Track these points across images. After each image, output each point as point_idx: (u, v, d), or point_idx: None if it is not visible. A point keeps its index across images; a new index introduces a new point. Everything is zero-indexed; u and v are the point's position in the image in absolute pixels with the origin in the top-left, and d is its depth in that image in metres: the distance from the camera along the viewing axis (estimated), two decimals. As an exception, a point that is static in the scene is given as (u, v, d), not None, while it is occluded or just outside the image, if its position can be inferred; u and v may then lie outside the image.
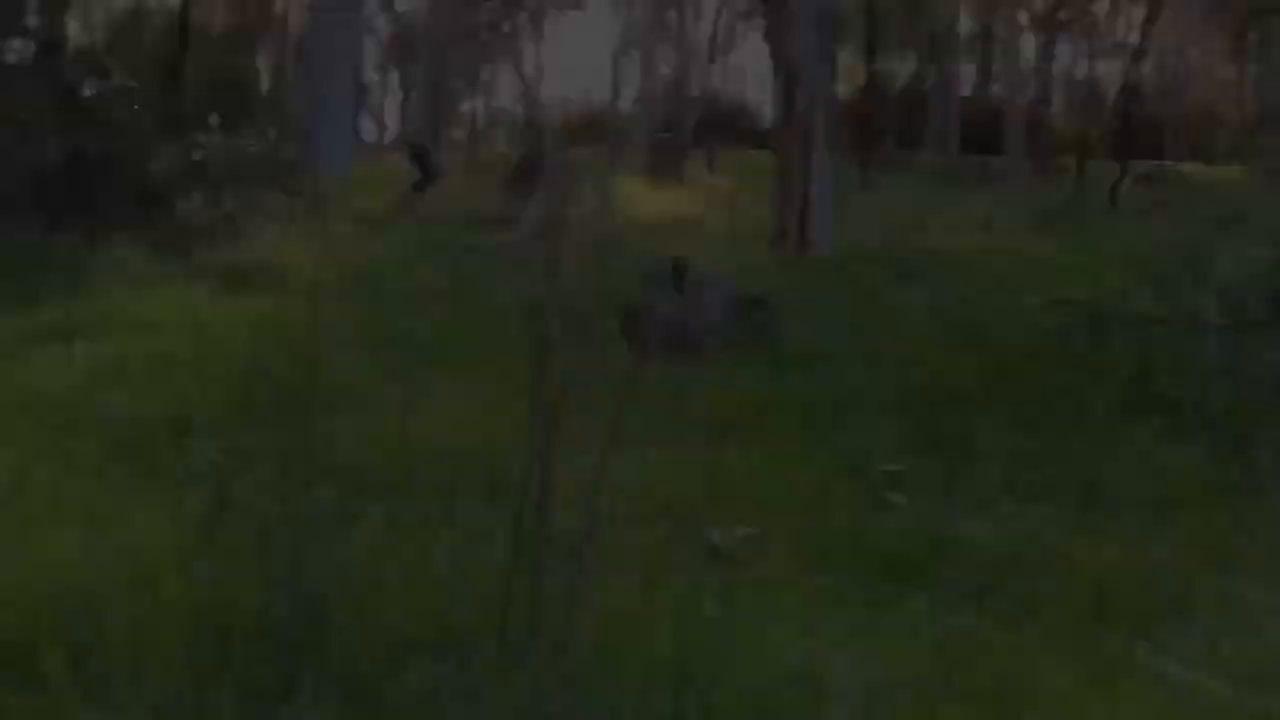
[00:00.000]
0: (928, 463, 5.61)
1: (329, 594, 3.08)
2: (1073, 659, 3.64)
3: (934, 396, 6.56)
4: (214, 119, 10.05)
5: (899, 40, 43.29)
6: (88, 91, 11.11)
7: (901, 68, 46.13)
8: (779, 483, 5.25)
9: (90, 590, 3.11)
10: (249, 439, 5.19)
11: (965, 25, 41.68)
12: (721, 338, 7.73)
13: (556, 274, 4.07)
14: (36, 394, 5.80)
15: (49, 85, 11.21)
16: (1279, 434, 5.69)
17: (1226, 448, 5.68)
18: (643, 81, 43.58)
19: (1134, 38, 28.04)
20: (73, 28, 12.48)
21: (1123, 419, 6.12)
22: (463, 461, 5.00)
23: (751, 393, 6.56)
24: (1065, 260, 11.41)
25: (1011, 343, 7.55)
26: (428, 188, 16.54)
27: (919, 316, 8.72)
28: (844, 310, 9.25)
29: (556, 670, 2.92)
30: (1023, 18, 38.15)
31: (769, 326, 7.96)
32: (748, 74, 48.40)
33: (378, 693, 2.84)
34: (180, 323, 7.53)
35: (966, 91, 41.51)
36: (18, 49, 11.74)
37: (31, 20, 12.07)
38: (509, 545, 3.19)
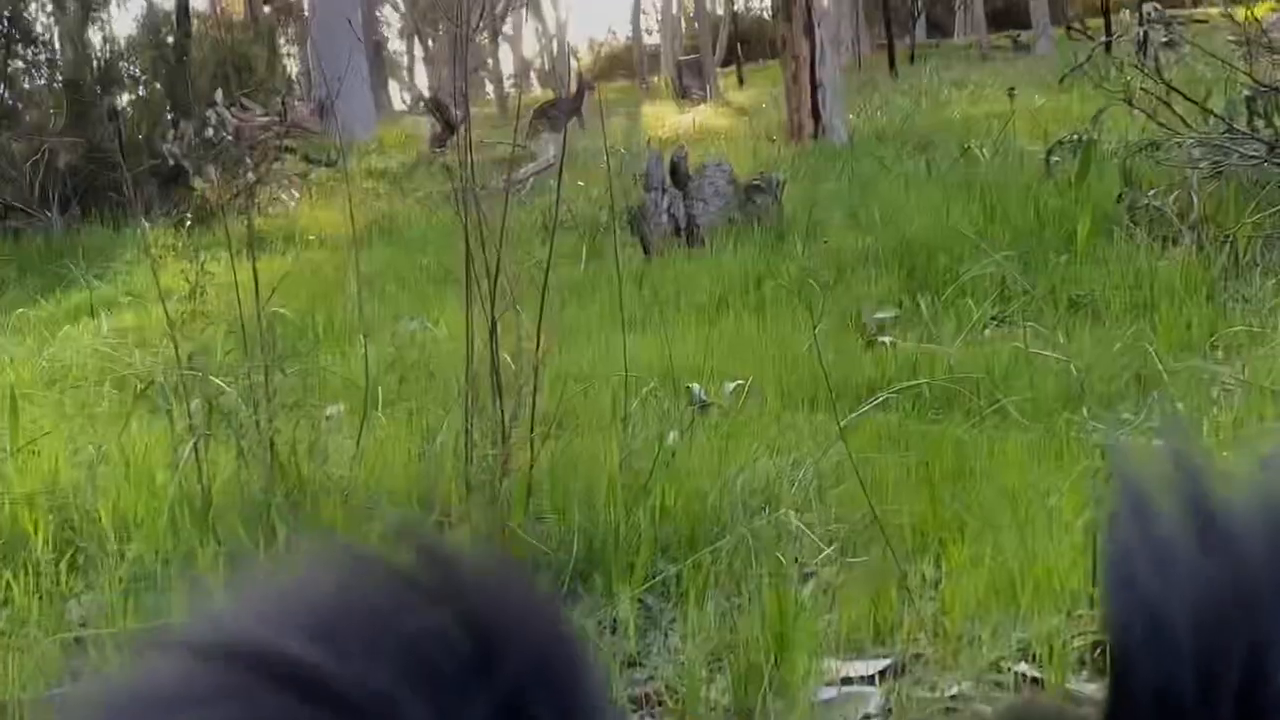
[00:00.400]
0: (921, 305, 5.77)
1: (302, 462, 3.33)
2: (1031, 440, 3.82)
3: (929, 243, 6.69)
4: (219, 95, 10.26)
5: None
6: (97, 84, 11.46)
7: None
8: (772, 342, 5.44)
9: (86, 490, 3.38)
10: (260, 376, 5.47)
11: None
12: (724, 222, 7.90)
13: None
14: (63, 366, 6.10)
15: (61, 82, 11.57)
16: (1257, 222, 5.82)
17: (1210, 246, 5.79)
18: (665, 8, 43.61)
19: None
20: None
21: (1106, 236, 6.24)
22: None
23: (750, 266, 6.72)
24: (1079, 110, 11.37)
25: (1005, 185, 7.65)
26: (448, 141, 16.73)
27: (922, 177, 8.82)
28: (848, 186, 9.37)
29: (517, 497, 3.15)
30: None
31: (770, 207, 8.11)
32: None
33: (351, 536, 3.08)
34: (201, 286, 7.80)
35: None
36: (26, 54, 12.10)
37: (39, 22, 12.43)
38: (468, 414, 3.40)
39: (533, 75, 50.65)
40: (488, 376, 3.48)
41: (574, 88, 21.97)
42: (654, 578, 2.94)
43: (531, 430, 3.37)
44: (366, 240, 9.70)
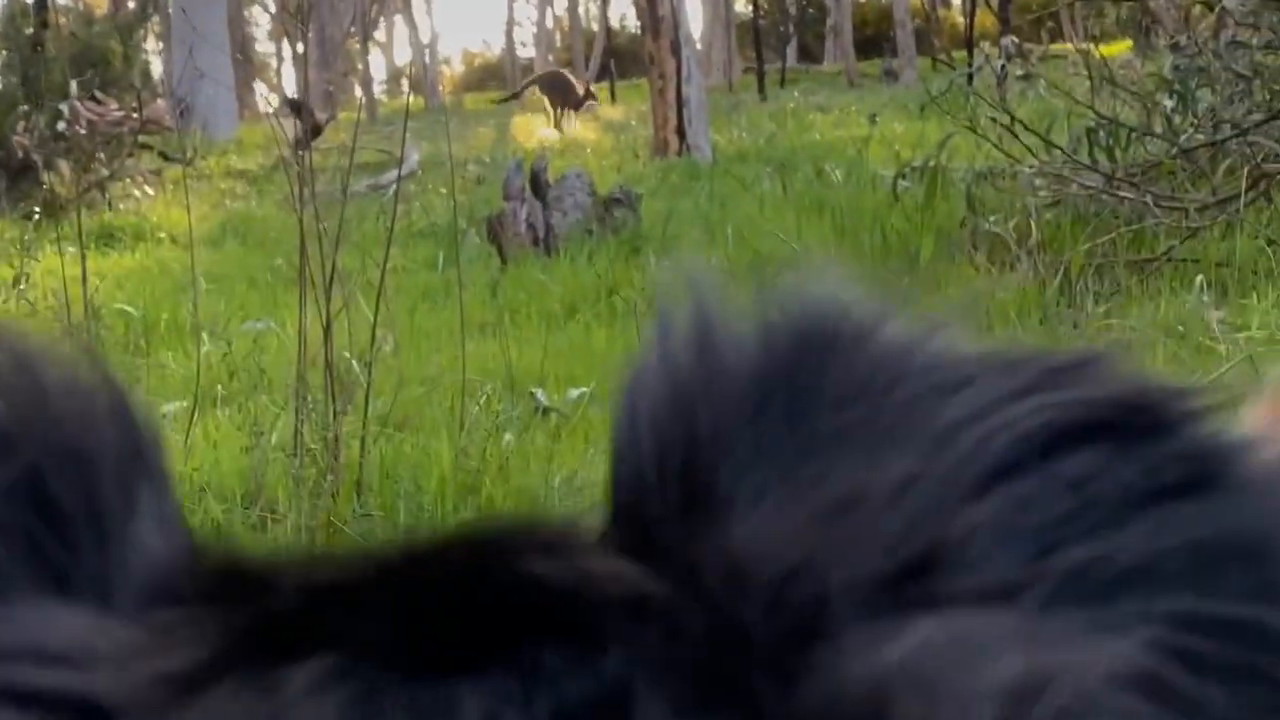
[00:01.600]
0: (766, 318, 5.87)
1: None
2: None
3: (779, 261, 6.79)
4: (74, 88, 10.09)
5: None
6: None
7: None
8: (619, 351, 5.49)
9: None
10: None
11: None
12: (582, 233, 7.96)
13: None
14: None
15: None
16: (1090, 249, 6.02)
17: (1045, 271, 5.97)
18: (539, 22, 43.65)
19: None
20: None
21: (949, 258, 6.41)
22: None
23: (604, 276, 6.78)
24: (936, 137, 11.63)
25: (857, 208, 7.80)
26: (309, 144, 16.57)
27: (778, 197, 8.96)
28: (707, 203, 9.49)
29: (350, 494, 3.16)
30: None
31: (628, 220, 8.18)
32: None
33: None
34: (25, 275, 7.67)
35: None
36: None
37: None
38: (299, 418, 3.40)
39: (404, 82, 50.41)
40: (323, 374, 3.49)
41: (583, 91, 22.33)
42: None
43: (363, 427, 3.38)
44: (221, 240, 9.62)
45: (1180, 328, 5.25)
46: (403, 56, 53.28)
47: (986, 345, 0.38)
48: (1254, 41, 7.13)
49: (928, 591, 0.30)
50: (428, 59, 45.07)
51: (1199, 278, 5.55)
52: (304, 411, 3.27)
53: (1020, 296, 5.73)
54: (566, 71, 25.81)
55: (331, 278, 3.72)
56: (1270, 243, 5.92)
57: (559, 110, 21.16)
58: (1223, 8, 7.03)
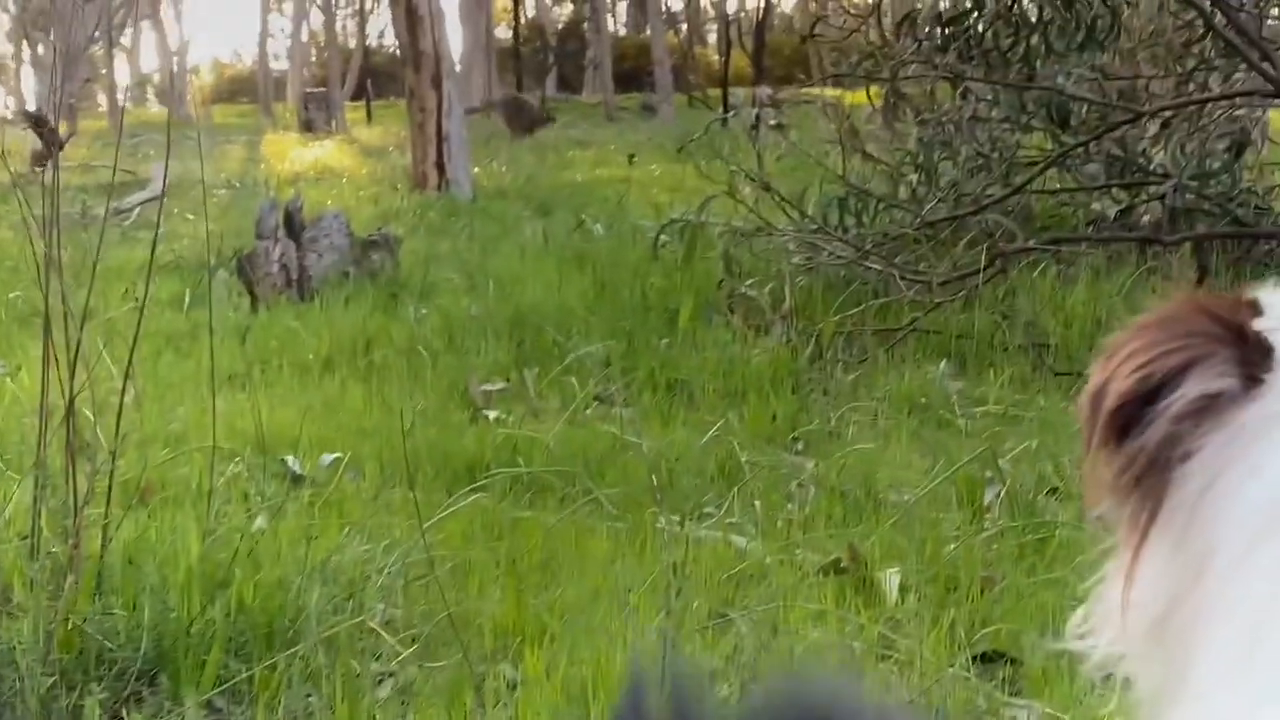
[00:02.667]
0: (526, 377, 5.84)
1: None
2: (618, 533, 3.93)
3: (541, 316, 6.80)
4: None
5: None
6: None
7: (561, 10, 46.72)
8: (377, 411, 5.40)
9: None
10: None
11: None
12: (338, 276, 7.83)
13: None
14: None
15: None
16: (840, 319, 6.20)
17: (797, 339, 6.11)
18: (294, 35, 42.89)
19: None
20: None
21: (705, 321, 6.50)
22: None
23: (361, 327, 6.66)
24: (693, 183, 11.80)
25: (618, 262, 7.86)
26: (49, 158, 15.92)
27: (539, 246, 8.97)
28: (467, 245, 9.45)
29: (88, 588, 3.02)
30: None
31: (386, 264, 8.08)
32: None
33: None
34: None
35: (620, 30, 42.30)
36: None
37: None
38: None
39: (150, 91, 48.92)
40: (60, 434, 3.32)
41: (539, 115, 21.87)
42: (225, 680, 2.87)
43: (107, 508, 3.24)
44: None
45: (923, 399, 5.43)
46: (149, 63, 51.80)
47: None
48: (993, 116, 7.45)
49: None
50: (176, 67, 43.83)
51: (942, 362, 5.76)
52: (43, 499, 3.11)
53: (775, 363, 5.84)
54: (526, 96, 25.48)
55: (83, 322, 3.51)
56: (1005, 318, 6.19)
57: (513, 132, 20.87)
58: (966, 85, 7.32)
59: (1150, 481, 1.16)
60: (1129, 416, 1.16)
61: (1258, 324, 1.19)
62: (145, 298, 4.11)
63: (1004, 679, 3.06)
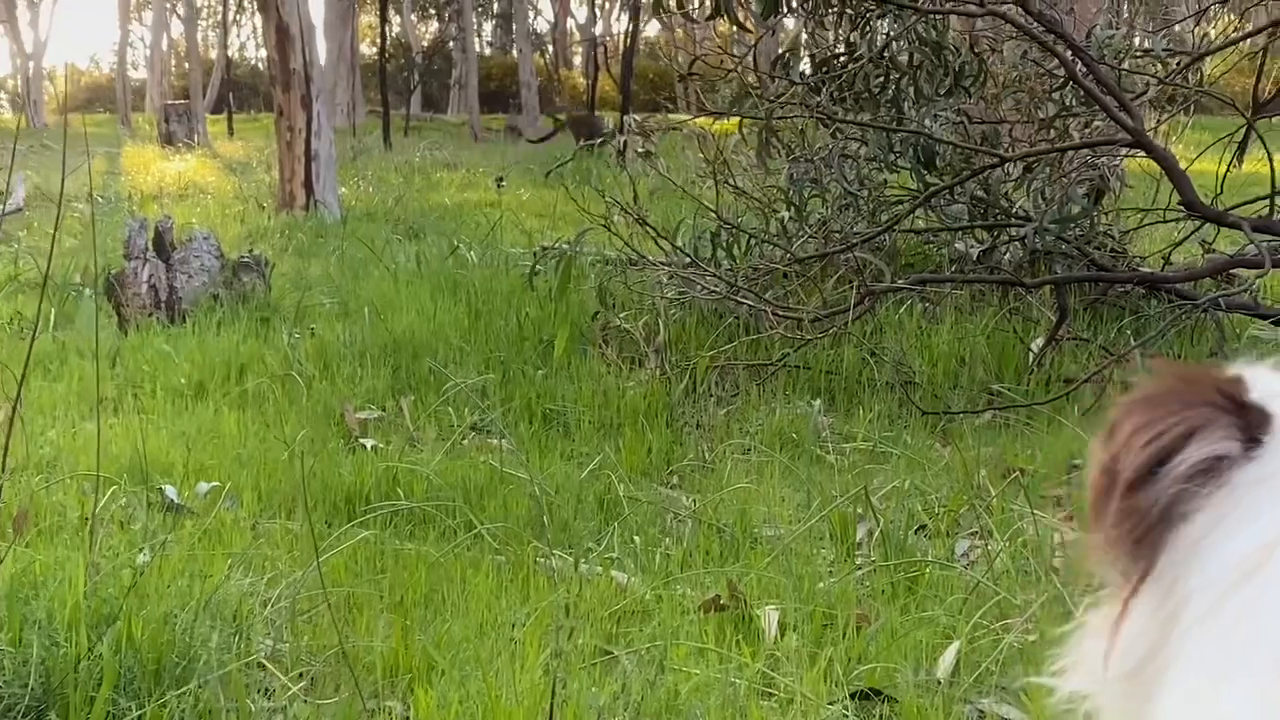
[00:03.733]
0: (402, 406, 5.85)
1: None
2: (500, 567, 3.97)
3: (416, 344, 6.80)
4: None
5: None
6: None
7: (426, 28, 46.47)
8: (253, 439, 5.37)
9: None
10: None
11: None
12: (209, 298, 7.75)
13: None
14: None
15: None
16: (714, 354, 6.29)
17: (671, 372, 6.18)
18: (154, 45, 42.11)
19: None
20: None
21: (581, 353, 6.56)
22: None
23: (234, 352, 6.61)
24: (562, 208, 11.86)
25: (492, 290, 7.89)
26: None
27: (411, 271, 8.95)
28: (338, 269, 9.41)
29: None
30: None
31: (257, 287, 8.01)
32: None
33: None
34: None
35: (486, 50, 42.24)
36: None
37: None
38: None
39: (2, 96, 47.65)
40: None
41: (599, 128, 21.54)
42: (115, 718, 2.85)
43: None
44: None
45: (795, 435, 5.54)
46: (2, 68, 50.44)
47: None
48: (862, 154, 7.61)
49: None
50: (31, 73, 42.78)
51: (812, 398, 5.88)
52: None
53: (650, 396, 5.91)
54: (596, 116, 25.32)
55: None
56: (873, 355, 6.33)
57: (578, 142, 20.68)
58: (837, 125, 7.47)
59: (1150, 539, 1.24)
60: (1142, 481, 1.24)
61: (1252, 394, 1.29)
62: (38, 319, 4.07)
63: (880, 717, 3.16)
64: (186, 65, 40.38)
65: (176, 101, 30.44)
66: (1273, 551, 1.18)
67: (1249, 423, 1.26)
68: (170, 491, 4.55)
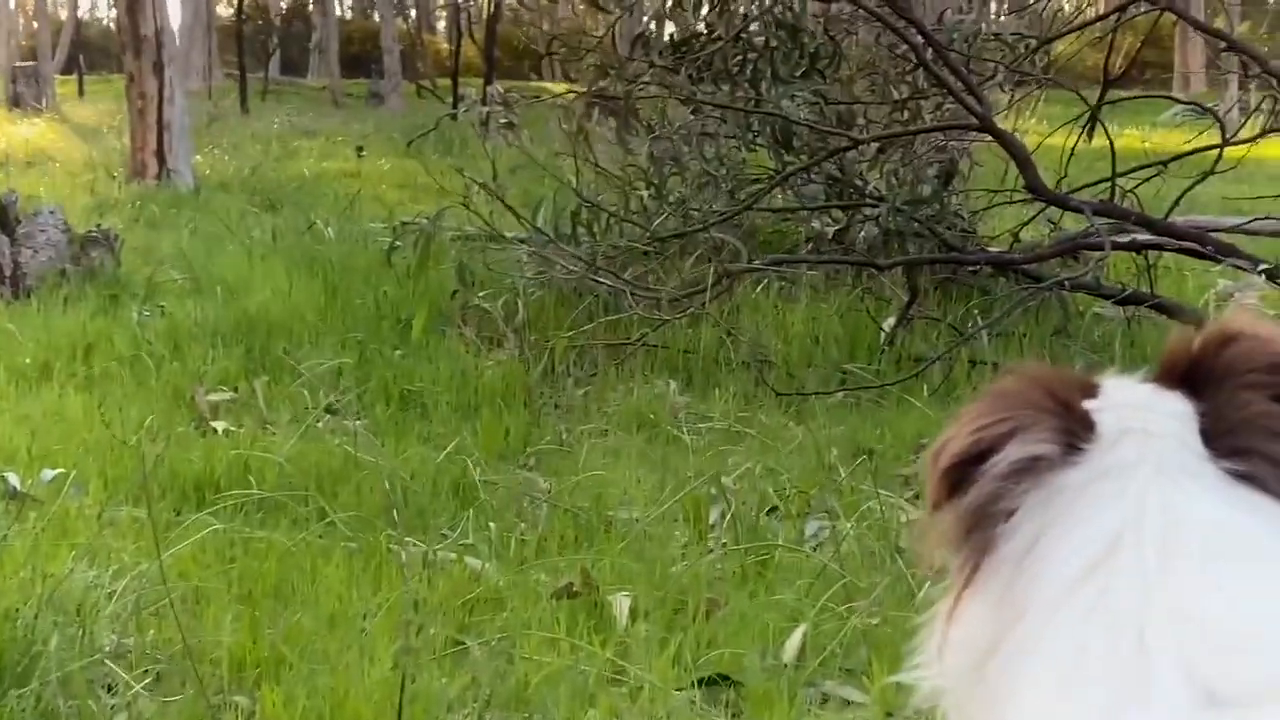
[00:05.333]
0: (255, 387, 5.78)
1: None
2: (352, 556, 3.95)
3: (270, 323, 6.72)
4: None
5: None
6: None
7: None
8: (99, 423, 5.26)
9: None
10: None
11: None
12: (55, 274, 7.57)
13: None
14: None
15: None
16: (572, 333, 6.31)
17: (530, 353, 6.18)
18: (1, 4, 40.85)
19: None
20: None
21: (439, 332, 6.54)
22: None
23: (80, 332, 6.48)
24: (424, 179, 11.78)
25: (349, 267, 7.82)
26: None
27: (267, 245, 8.84)
28: (190, 243, 9.24)
29: None
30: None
31: (106, 262, 7.86)
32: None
33: None
34: None
35: (346, 14, 41.66)
36: None
37: None
38: None
39: None
40: None
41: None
42: (-47, 720, 2.81)
43: None
44: None
45: (652, 415, 5.57)
46: None
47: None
48: (721, 132, 7.68)
49: None
50: None
51: (674, 381, 5.91)
52: None
53: (507, 377, 5.91)
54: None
55: None
56: (729, 335, 6.39)
57: None
58: (698, 101, 7.52)
59: (978, 535, 1.29)
60: (961, 475, 1.29)
61: (1089, 402, 1.35)
62: None
63: (727, 703, 3.20)
64: (35, 25, 39.27)
65: (24, 64, 29.51)
66: (1111, 551, 1.24)
67: (1071, 428, 1.32)
68: (13, 479, 4.45)
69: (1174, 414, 1.33)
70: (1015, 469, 1.28)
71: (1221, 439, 1.31)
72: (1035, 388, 1.34)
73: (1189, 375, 1.36)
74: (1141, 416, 1.33)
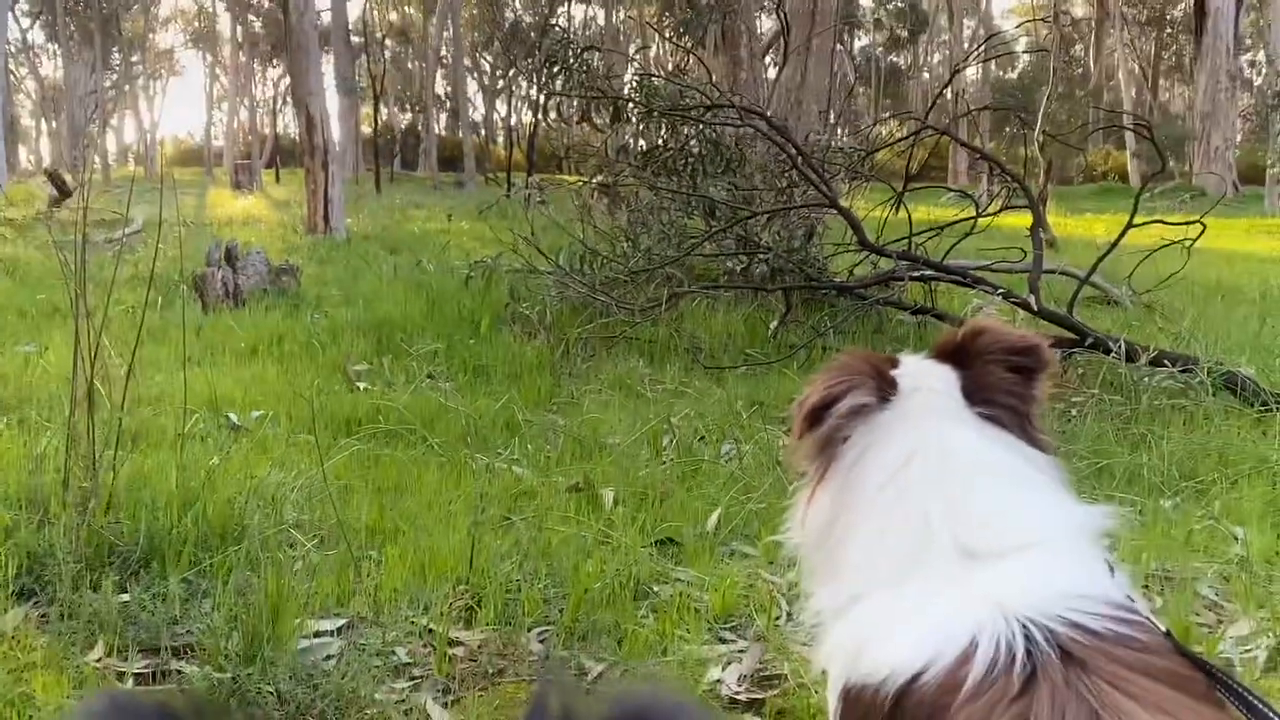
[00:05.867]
0: (384, 362, 5.75)
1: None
2: (442, 466, 3.93)
3: (393, 323, 6.68)
4: None
5: (401, 96, 42.42)
6: None
7: (403, 116, 45.22)
8: (287, 382, 5.24)
9: None
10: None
11: (440, 88, 41.35)
12: (260, 292, 7.51)
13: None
14: None
15: None
16: (580, 330, 6.27)
17: (553, 342, 6.15)
18: (229, 122, 40.42)
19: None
20: None
21: (497, 329, 6.50)
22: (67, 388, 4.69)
23: (275, 327, 6.43)
24: (489, 234, 11.69)
25: (443, 288, 7.77)
26: (62, 202, 14.71)
27: (390, 275, 8.77)
28: (344, 273, 9.17)
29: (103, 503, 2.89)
30: (471, 86, 38.17)
31: (291, 285, 7.79)
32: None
33: None
34: None
35: (442, 132, 41.32)
36: None
37: None
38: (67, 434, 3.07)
39: (130, 155, 45.37)
40: (84, 402, 3.15)
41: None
42: (195, 564, 2.80)
43: (115, 451, 3.10)
44: (-4, 275, 8.36)
45: (628, 381, 5.56)
46: (129, 137, 48.00)
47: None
48: (671, 208, 7.63)
49: None
50: (148, 140, 40.78)
51: (641, 359, 5.88)
52: (74, 455, 2.95)
53: (539, 356, 5.89)
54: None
55: (104, 317, 3.32)
56: (676, 331, 6.37)
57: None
58: (656, 188, 7.47)
59: (826, 452, 1.30)
60: (817, 416, 1.30)
61: (894, 371, 1.36)
62: (145, 304, 3.92)
63: (673, 555, 3.21)
64: (249, 137, 38.88)
65: (243, 160, 29.24)
66: (907, 463, 1.24)
67: (884, 386, 1.33)
68: (233, 417, 4.43)
69: (946, 378, 1.34)
70: (850, 411, 1.30)
71: (976, 394, 1.32)
72: (861, 361, 1.35)
73: (955, 354, 1.37)
74: (926, 380, 1.34)
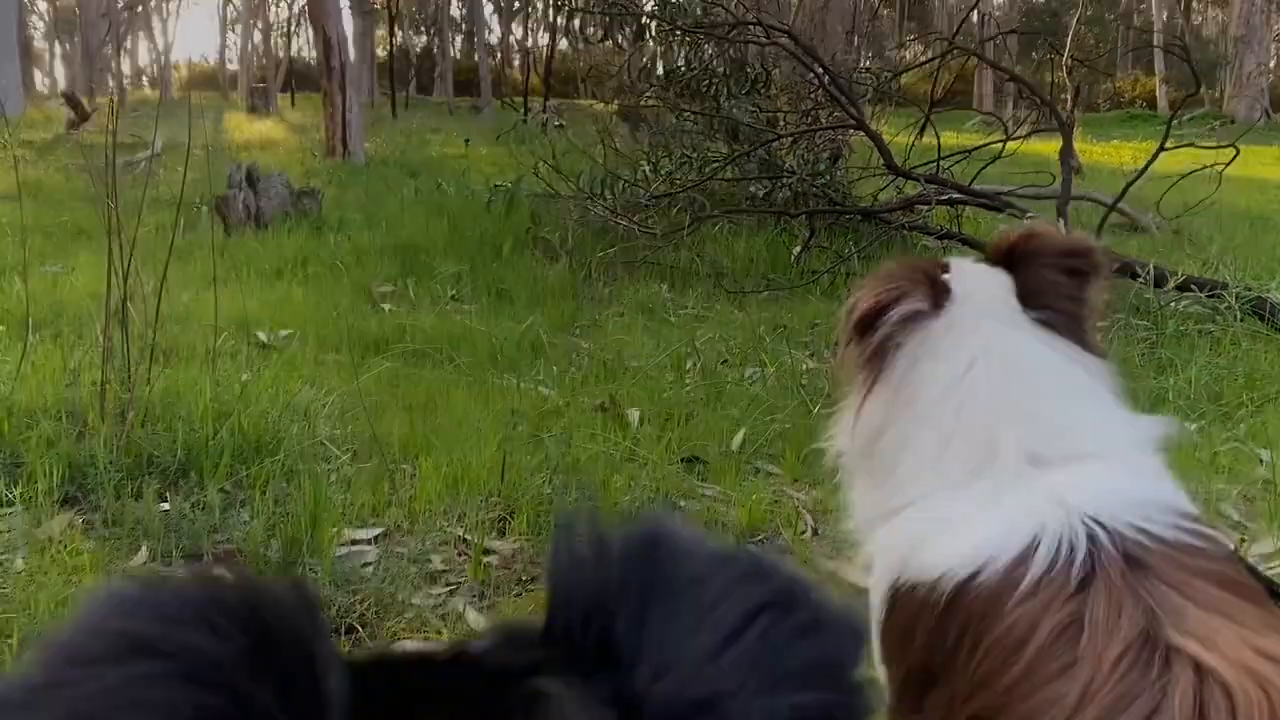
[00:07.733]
0: (408, 284, 5.76)
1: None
2: (470, 385, 3.96)
3: (415, 246, 6.67)
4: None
5: (415, 19, 41.75)
6: None
7: (418, 39, 44.53)
8: (312, 303, 5.26)
9: None
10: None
11: (456, 10, 40.61)
12: (282, 215, 7.50)
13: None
14: None
15: None
16: (602, 255, 6.24)
17: (576, 266, 6.14)
18: (243, 46, 39.92)
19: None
20: None
21: (520, 252, 6.48)
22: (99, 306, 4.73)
23: (299, 249, 6.43)
24: (508, 160, 11.58)
25: (463, 212, 7.73)
26: (80, 125, 14.63)
27: (411, 199, 8.73)
28: (364, 196, 9.13)
29: (140, 416, 2.93)
30: (488, 8, 37.49)
31: (313, 208, 7.77)
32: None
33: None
34: None
35: (458, 56, 40.69)
36: None
37: None
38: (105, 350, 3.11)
39: (144, 79, 44.96)
40: (117, 317, 3.18)
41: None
42: (232, 475, 2.85)
43: (149, 365, 3.13)
44: (17, 197, 8.36)
45: (650, 305, 5.55)
46: (143, 60, 47.52)
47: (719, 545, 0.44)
48: (694, 130, 7.53)
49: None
50: (163, 63, 40.37)
51: (664, 284, 5.85)
52: (109, 359, 2.99)
53: (562, 280, 5.88)
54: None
55: (135, 240, 3.33)
56: (699, 256, 6.34)
57: None
58: (679, 111, 7.37)
59: (877, 360, 1.28)
60: (868, 323, 1.28)
61: (945, 276, 1.34)
62: (176, 223, 3.92)
63: (698, 473, 3.24)
64: (264, 60, 38.44)
65: (258, 84, 28.93)
66: (968, 369, 1.22)
67: (937, 293, 1.31)
68: (262, 335, 4.46)
69: (1000, 283, 1.32)
70: (903, 318, 1.27)
71: (1030, 299, 1.30)
72: (911, 268, 1.33)
73: (1007, 258, 1.35)
74: (979, 285, 1.32)
